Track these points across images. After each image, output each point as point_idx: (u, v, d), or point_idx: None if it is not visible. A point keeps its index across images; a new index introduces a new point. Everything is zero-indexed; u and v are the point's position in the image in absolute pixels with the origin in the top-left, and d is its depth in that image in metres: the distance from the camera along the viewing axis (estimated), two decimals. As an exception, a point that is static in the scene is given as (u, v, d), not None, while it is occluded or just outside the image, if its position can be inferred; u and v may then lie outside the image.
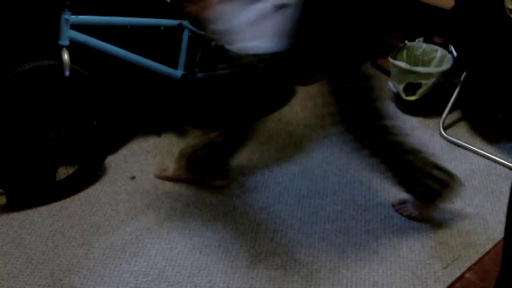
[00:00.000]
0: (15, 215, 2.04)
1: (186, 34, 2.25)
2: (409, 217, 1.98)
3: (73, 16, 1.89)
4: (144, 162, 2.29)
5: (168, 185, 2.16)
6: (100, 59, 2.02)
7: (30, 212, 2.05)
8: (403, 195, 1.97)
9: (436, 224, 1.96)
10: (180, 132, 2.44)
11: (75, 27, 1.91)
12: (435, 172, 1.83)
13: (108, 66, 2.05)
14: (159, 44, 2.24)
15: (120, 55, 2.05)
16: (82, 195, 2.13)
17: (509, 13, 2.01)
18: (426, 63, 2.62)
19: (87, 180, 2.16)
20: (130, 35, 2.08)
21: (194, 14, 1.73)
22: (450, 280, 1.76)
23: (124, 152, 2.34)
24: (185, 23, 2.22)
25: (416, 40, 2.75)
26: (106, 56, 2.01)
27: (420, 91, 2.48)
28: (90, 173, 2.17)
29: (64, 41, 1.90)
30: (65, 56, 1.89)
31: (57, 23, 1.87)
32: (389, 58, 2.58)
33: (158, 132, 2.44)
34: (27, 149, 2.04)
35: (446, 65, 2.50)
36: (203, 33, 2.27)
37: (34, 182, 2.08)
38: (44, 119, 2.01)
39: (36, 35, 1.98)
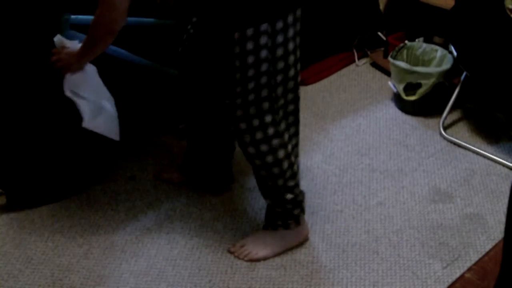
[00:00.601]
0: (15, 215, 2.04)
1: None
2: (252, 260, 1.84)
3: (72, 16, 1.88)
4: (144, 162, 2.29)
5: (168, 185, 2.16)
6: (99, 59, 2.01)
7: (30, 212, 2.05)
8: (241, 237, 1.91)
9: (436, 224, 1.96)
10: (180, 132, 2.43)
11: (75, 27, 1.91)
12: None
13: (107, 66, 2.04)
14: (159, 43, 2.23)
15: (120, 55, 2.05)
16: (82, 195, 2.13)
17: (509, 13, 2.01)
18: (426, 63, 2.62)
19: (87, 180, 2.16)
20: (130, 35, 2.08)
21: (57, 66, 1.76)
22: (450, 280, 1.76)
23: (124, 152, 2.34)
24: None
25: (416, 40, 2.75)
26: (106, 56, 2.01)
27: (420, 91, 2.47)
28: (90, 173, 2.17)
29: (64, 41, 1.89)
30: (65, 56, 1.89)
31: (57, 23, 1.87)
32: (389, 58, 2.58)
33: (158, 133, 2.43)
34: (27, 149, 2.03)
35: (446, 65, 2.50)
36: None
37: (34, 182, 2.07)
38: (45, 119, 2.01)
39: (35, 35, 1.98)
